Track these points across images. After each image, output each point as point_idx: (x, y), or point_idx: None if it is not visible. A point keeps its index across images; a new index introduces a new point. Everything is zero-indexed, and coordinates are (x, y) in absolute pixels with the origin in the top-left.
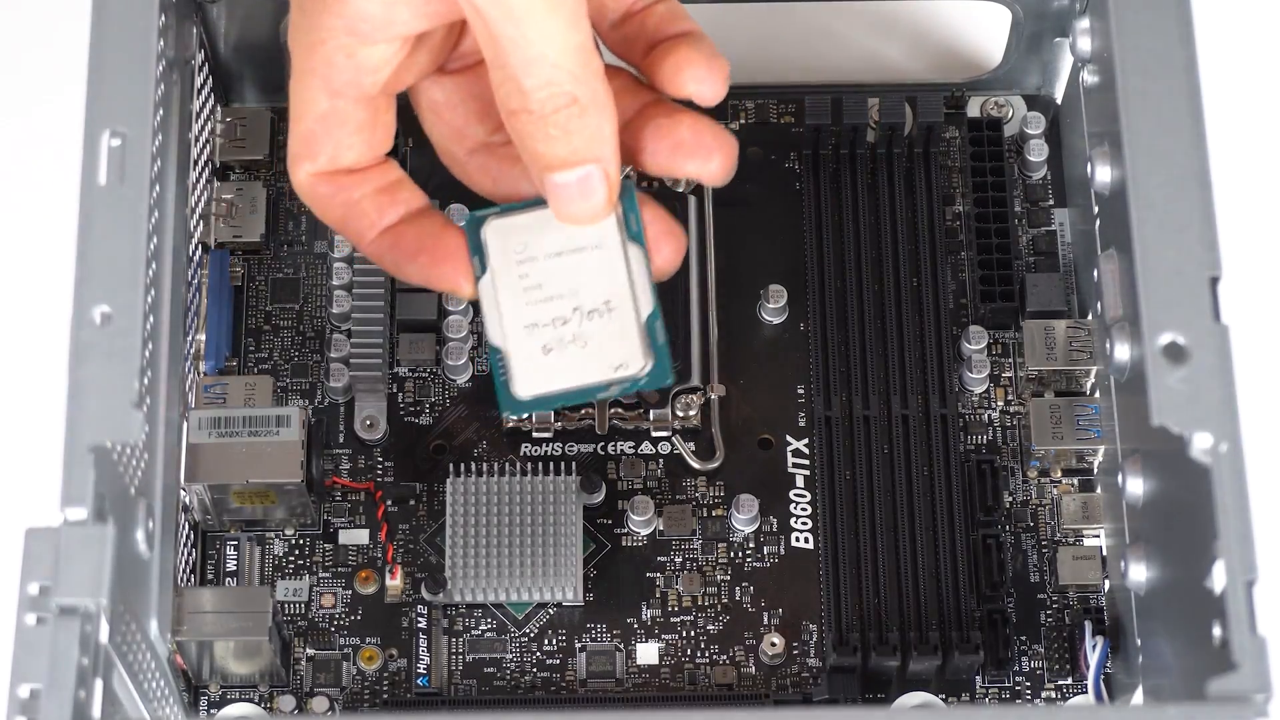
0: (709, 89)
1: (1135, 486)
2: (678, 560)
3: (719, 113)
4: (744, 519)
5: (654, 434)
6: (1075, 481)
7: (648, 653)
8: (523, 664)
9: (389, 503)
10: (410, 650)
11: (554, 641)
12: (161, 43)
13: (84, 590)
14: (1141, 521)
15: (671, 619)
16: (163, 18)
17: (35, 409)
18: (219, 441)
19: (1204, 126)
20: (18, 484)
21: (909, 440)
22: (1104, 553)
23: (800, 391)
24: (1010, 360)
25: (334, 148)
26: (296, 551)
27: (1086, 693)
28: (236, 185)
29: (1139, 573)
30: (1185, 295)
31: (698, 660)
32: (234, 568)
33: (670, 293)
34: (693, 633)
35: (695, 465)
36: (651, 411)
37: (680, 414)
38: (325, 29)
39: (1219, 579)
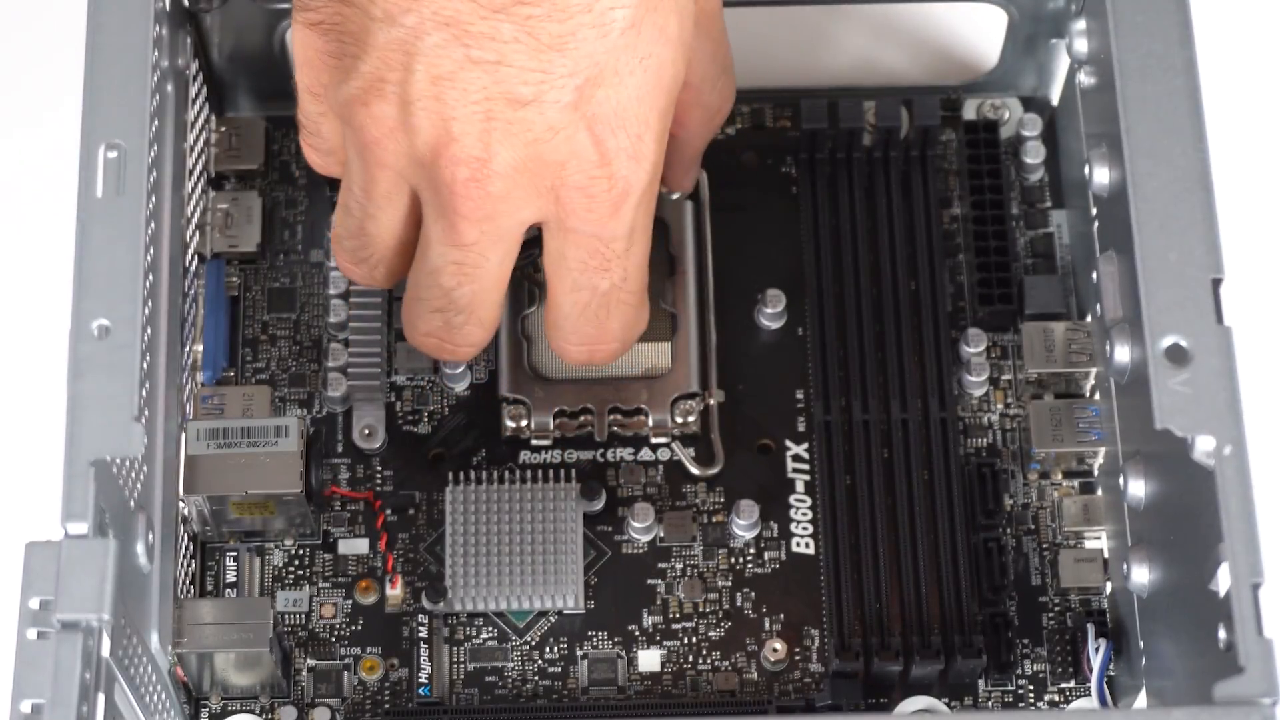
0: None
1: (1137, 489)
2: (678, 567)
3: None
4: (744, 525)
5: (653, 440)
6: (1076, 484)
7: (649, 660)
8: (524, 672)
9: (388, 512)
10: (411, 660)
11: (555, 649)
12: (156, 53)
13: (86, 605)
14: (1143, 524)
15: (673, 625)
16: (157, 28)
17: (34, 423)
18: (217, 452)
19: (1204, 127)
20: (17, 497)
21: (909, 444)
22: (1106, 555)
23: (799, 396)
24: (1009, 363)
25: None
26: (296, 562)
27: (1090, 696)
28: (231, 195)
29: (1141, 575)
30: (1187, 297)
31: (699, 667)
32: (233, 579)
33: (667, 298)
34: (694, 639)
35: (695, 471)
36: (651, 418)
37: (680, 420)
38: None
39: (1224, 582)
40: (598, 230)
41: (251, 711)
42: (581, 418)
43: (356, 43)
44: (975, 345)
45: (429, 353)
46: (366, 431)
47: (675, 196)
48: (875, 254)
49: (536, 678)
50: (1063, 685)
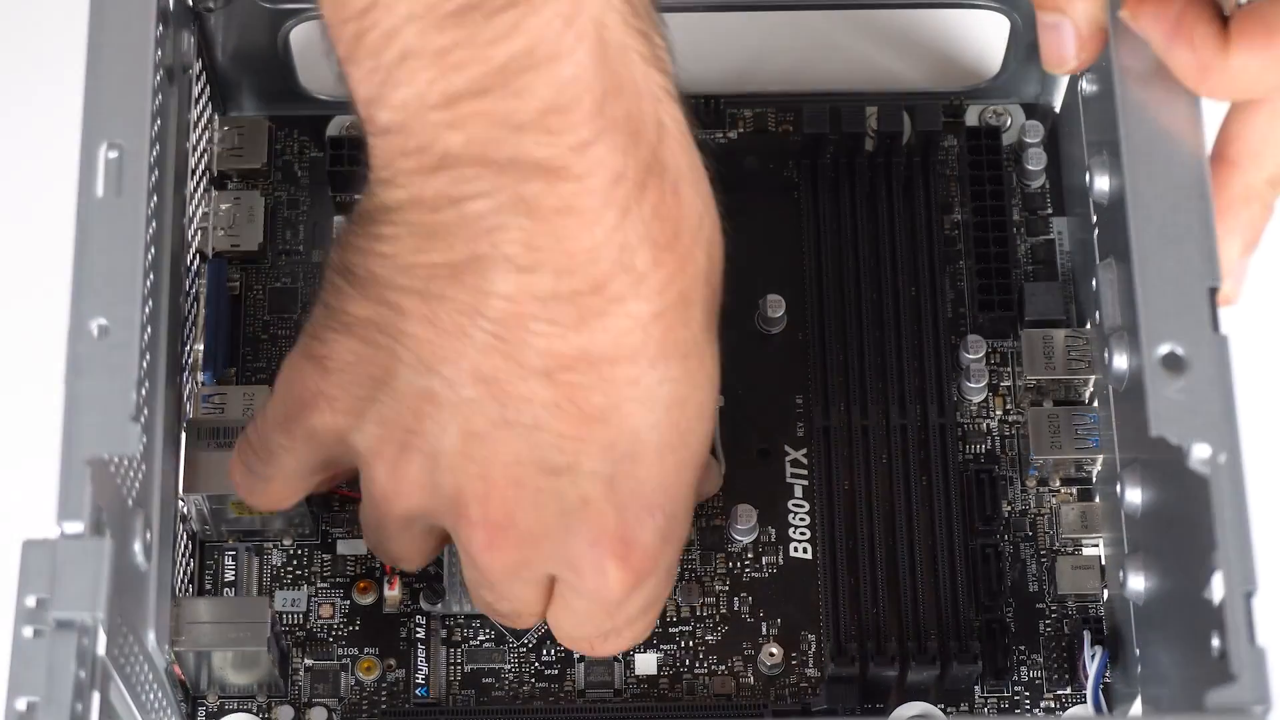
0: None
1: (1134, 496)
2: (676, 570)
3: (715, 119)
4: (742, 529)
5: None
6: (1074, 491)
7: (646, 663)
8: (521, 674)
9: None
10: (409, 660)
11: (552, 652)
12: (159, 52)
13: (82, 604)
14: (1140, 531)
15: (670, 629)
16: (160, 27)
17: (33, 422)
18: (217, 452)
19: (1203, 136)
20: (14, 496)
21: (907, 450)
22: (1103, 562)
23: (799, 401)
24: (1009, 369)
25: None
26: (295, 562)
27: (1085, 703)
28: (234, 194)
29: (1138, 582)
30: (1184, 305)
31: (696, 670)
32: (232, 578)
33: None
34: (691, 643)
35: None
36: None
37: None
38: None
39: (1217, 590)
40: (612, 601)
41: (249, 710)
42: None
43: (376, 386)
44: (975, 351)
45: None
46: None
47: None
48: (876, 259)
49: (533, 680)
50: (1059, 692)
